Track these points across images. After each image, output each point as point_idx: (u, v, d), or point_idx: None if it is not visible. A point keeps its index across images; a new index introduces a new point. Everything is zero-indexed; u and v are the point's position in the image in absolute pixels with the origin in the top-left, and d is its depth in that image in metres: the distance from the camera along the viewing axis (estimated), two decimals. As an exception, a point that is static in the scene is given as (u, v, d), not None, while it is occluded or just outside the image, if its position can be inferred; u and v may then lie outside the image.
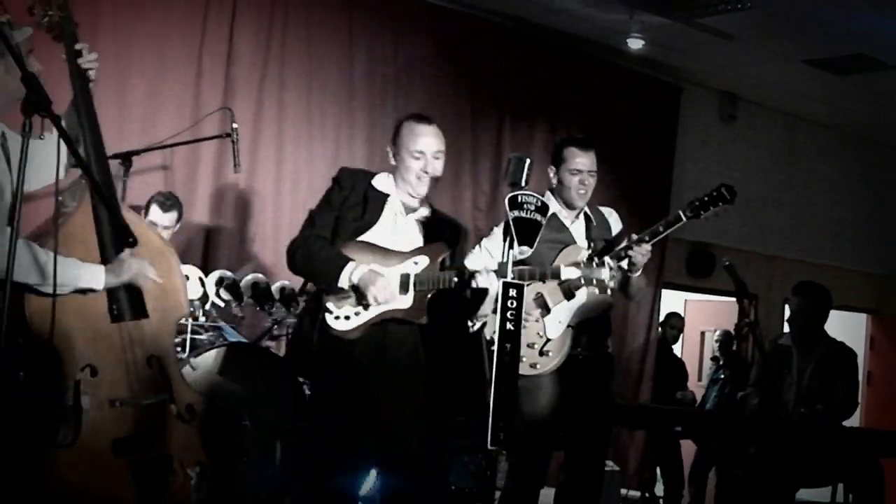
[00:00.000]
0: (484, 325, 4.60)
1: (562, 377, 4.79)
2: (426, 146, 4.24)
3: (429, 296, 4.18)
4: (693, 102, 10.12)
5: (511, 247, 3.58)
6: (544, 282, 4.43)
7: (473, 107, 8.35)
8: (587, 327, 4.85)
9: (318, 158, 7.41)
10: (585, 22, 8.47)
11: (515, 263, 3.68)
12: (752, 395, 6.48)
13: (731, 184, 4.80)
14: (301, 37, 7.40)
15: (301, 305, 5.82)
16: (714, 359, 9.87)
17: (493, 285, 4.03)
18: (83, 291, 3.53)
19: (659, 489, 9.06)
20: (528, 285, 4.63)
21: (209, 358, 5.33)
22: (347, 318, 4.15)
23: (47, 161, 3.47)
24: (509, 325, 3.47)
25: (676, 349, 9.91)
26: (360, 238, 4.21)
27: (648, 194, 9.14)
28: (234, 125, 6.16)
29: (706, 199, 4.79)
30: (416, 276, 4.16)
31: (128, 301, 3.68)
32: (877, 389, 11.64)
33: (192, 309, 5.55)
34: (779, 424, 5.92)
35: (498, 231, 4.92)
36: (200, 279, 5.62)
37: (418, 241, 4.30)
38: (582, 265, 4.18)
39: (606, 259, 4.31)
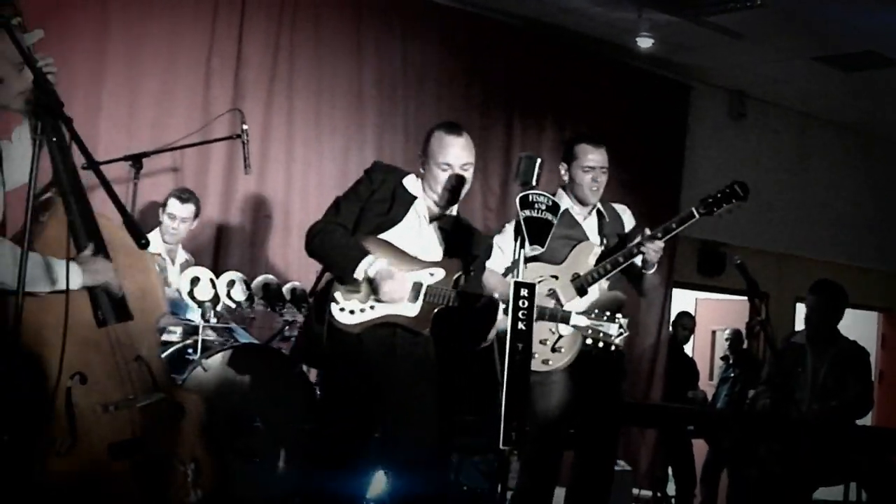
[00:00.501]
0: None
1: (572, 375, 4.79)
2: (454, 158, 4.21)
3: (436, 310, 4.17)
4: (702, 100, 10.10)
5: (522, 246, 3.57)
6: (556, 322, 4.46)
7: (483, 106, 8.34)
8: None
9: (328, 159, 7.41)
10: (594, 21, 8.46)
11: (527, 259, 3.67)
12: (764, 394, 6.46)
13: (742, 181, 4.80)
14: (310, 38, 7.40)
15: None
16: (724, 357, 9.86)
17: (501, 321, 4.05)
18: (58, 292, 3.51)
19: (671, 488, 9.05)
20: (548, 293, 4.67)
21: (220, 359, 5.34)
22: (353, 312, 4.12)
23: (21, 164, 3.50)
24: (521, 325, 3.47)
25: (687, 348, 9.90)
26: (381, 235, 4.18)
27: (658, 192, 9.12)
28: (245, 126, 6.16)
29: (719, 195, 4.80)
30: (428, 286, 4.15)
31: (111, 305, 3.70)
32: (889, 388, 11.60)
33: (202, 310, 5.56)
34: (792, 423, 5.91)
35: (509, 227, 4.93)
36: (211, 280, 5.62)
37: (438, 250, 4.29)
38: (594, 315, 4.24)
39: (619, 316, 4.28)
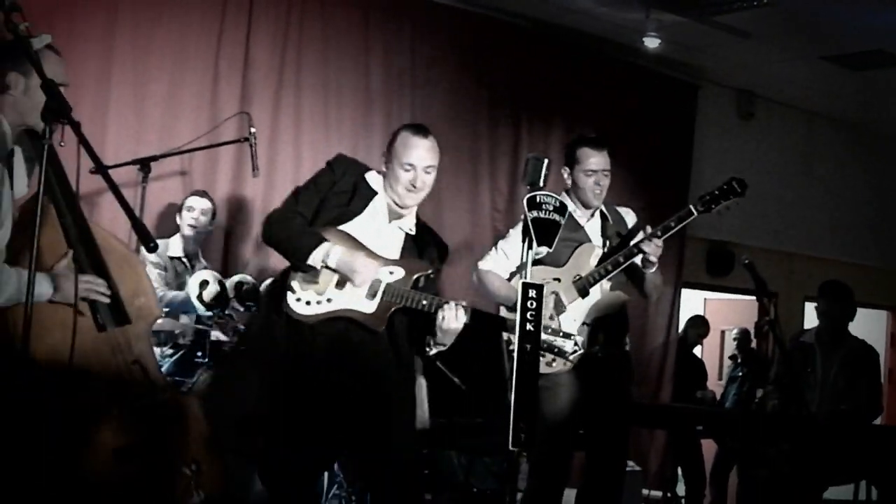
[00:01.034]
0: (440, 353, 4.32)
1: (580, 376, 4.79)
2: (417, 159, 4.11)
3: (393, 308, 4.06)
4: (710, 100, 10.09)
5: (530, 247, 3.57)
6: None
7: (490, 108, 8.34)
8: (603, 325, 4.86)
9: (336, 162, 7.41)
10: (602, 21, 8.46)
11: (533, 263, 3.67)
12: (773, 394, 6.46)
13: (740, 177, 4.82)
14: (317, 40, 7.41)
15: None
16: (732, 357, 9.86)
17: (459, 321, 3.99)
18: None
19: (680, 489, 9.04)
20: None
21: (228, 361, 5.35)
22: (308, 303, 4.01)
23: (18, 172, 3.52)
24: (529, 326, 3.47)
25: (696, 348, 9.89)
26: (341, 227, 4.09)
27: (666, 193, 9.11)
28: (252, 129, 6.18)
29: (717, 192, 4.83)
30: (387, 284, 4.05)
31: (109, 309, 3.73)
32: (898, 387, 11.59)
33: (210, 313, 5.57)
34: (803, 423, 5.90)
35: (514, 232, 4.94)
36: (220, 283, 5.63)
37: (395, 249, 4.19)
38: (549, 331, 4.15)
39: (575, 334, 4.24)
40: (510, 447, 3.40)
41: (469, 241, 7.72)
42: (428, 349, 4.15)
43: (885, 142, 11.58)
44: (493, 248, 5.04)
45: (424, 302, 4.05)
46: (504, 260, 4.94)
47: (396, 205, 4.16)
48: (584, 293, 4.79)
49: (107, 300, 3.71)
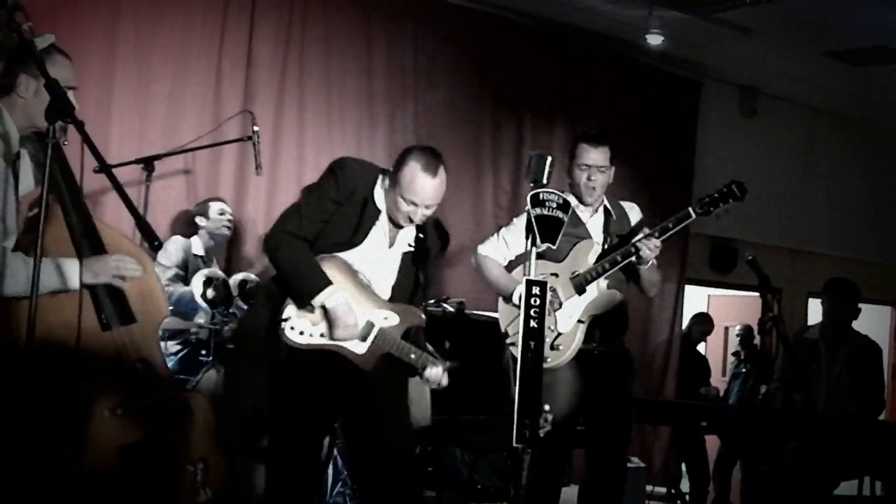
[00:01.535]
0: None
1: (578, 373, 4.79)
2: (421, 199, 4.08)
3: (383, 352, 4.13)
4: (713, 97, 10.09)
5: (533, 244, 3.57)
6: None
7: (494, 105, 8.35)
8: (600, 322, 4.86)
9: (339, 159, 7.42)
10: (604, 18, 8.46)
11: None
12: (778, 390, 6.46)
13: (740, 181, 4.82)
14: (320, 38, 7.41)
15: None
16: (735, 353, 9.86)
17: (443, 382, 4.13)
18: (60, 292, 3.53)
19: (684, 485, 9.05)
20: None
21: (233, 360, 5.36)
22: (302, 333, 4.05)
23: (24, 172, 3.54)
24: (533, 323, 3.47)
25: (700, 345, 9.89)
26: (342, 253, 4.11)
27: (670, 190, 9.11)
28: (255, 128, 6.19)
29: (716, 195, 4.83)
30: (379, 330, 4.11)
31: (114, 309, 3.71)
32: (902, 382, 11.58)
33: (216, 311, 5.58)
34: (811, 420, 5.90)
35: (518, 221, 4.94)
36: (224, 281, 5.64)
37: (393, 276, 4.20)
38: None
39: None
40: (514, 444, 3.41)
41: (472, 238, 7.71)
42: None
43: (888, 138, 11.57)
44: (495, 235, 5.04)
45: (413, 356, 4.13)
46: (504, 248, 4.95)
47: (394, 225, 4.18)
48: (580, 290, 4.79)
49: (138, 273, 3.71)
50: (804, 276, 10.55)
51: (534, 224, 3.55)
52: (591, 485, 4.98)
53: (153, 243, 3.26)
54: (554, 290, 4.75)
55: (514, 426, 3.39)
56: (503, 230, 5.00)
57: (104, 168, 3.31)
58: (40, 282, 3.08)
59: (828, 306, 6.36)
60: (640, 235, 4.82)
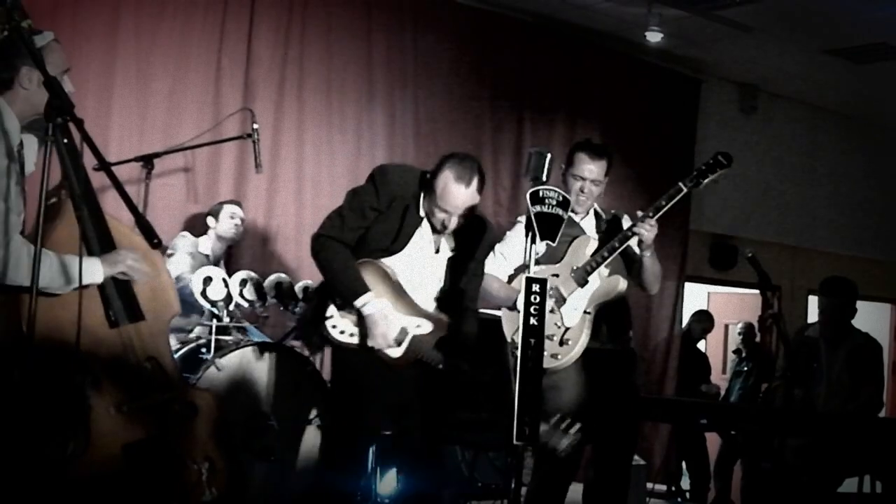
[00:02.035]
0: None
1: (585, 372, 4.79)
2: (454, 208, 4.24)
3: (414, 359, 4.33)
4: (713, 95, 10.09)
5: (533, 242, 3.57)
6: None
7: (493, 102, 8.34)
8: (605, 318, 4.84)
9: (339, 157, 7.42)
10: (604, 16, 8.45)
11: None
12: (780, 387, 6.46)
13: (725, 151, 4.85)
14: (320, 36, 7.41)
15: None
16: (736, 351, 9.86)
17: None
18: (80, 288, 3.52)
19: (685, 482, 9.05)
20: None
21: (234, 358, 5.35)
22: (343, 332, 4.28)
23: (28, 157, 3.57)
24: (533, 321, 3.47)
25: (700, 343, 9.89)
26: (386, 260, 4.29)
27: (669, 187, 9.06)
28: (255, 126, 6.19)
29: (704, 167, 4.88)
30: (413, 337, 4.30)
31: (123, 305, 3.71)
32: (902, 379, 11.57)
33: (215, 310, 5.57)
34: (810, 417, 5.89)
35: (511, 234, 4.93)
36: (224, 280, 5.63)
37: (438, 281, 4.41)
38: (549, 426, 4.08)
39: (572, 430, 4.08)
40: (514, 442, 3.41)
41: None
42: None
43: (888, 135, 11.57)
44: (491, 253, 5.02)
45: (441, 367, 4.30)
46: (502, 262, 4.92)
47: (432, 227, 4.34)
48: (582, 282, 4.78)
49: (144, 277, 3.72)
50: (804, 274, 10.55)
51: (533, 221, 3.55)
52: (595, 484, 4.97)
53: (153, 241, 3.25)
54: (556, 289, 4.75)
55: (515, 424, 3.39)
56: (498, 246, 4.96)
57: (104, 166, 3.31)
58: (45, 277, 3.08)
59: (823, 305, 6.35)
60: (631, 222, 4.82)
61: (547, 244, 3.71)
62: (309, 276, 6.37)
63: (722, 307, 11.05)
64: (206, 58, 6.92)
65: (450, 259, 4.40)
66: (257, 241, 7.07)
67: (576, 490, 5.07)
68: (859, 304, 6.38)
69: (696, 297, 10.67)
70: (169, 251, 6.13)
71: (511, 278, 4.93)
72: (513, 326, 4.83)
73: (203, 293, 5.52)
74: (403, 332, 4.28)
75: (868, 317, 8.16)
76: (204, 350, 5.48)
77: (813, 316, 6.89)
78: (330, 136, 7.42)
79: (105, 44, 6.51)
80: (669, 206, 4.80)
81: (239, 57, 7.05)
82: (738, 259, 9.98)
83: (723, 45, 9.06)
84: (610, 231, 4.94)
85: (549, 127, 8.69)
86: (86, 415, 3.55)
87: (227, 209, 6.44)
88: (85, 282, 3.51)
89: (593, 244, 4.84)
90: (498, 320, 4.99)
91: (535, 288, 3.49)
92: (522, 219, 4.33)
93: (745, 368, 9.46)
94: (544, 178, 3.65)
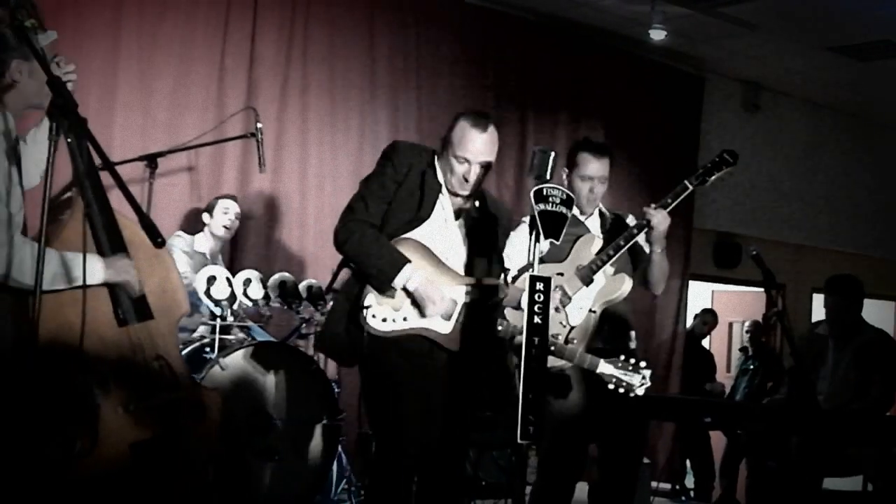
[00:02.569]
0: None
1: (588, 372, 4.77)
2: (473, 155, 4.06)
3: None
4: (716, 92, 10.08)
5: (537, 240, 3.57)
6: (584, 368, 4.49)
7: (496, 101, 8.34)
8: (608, 318, 4.83)
9: (343, 156, 7.43)
10: (607, 13, 8.45)
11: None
12: (785, 384, 6.46)
13: (731, 149, 4.84)
14: (323, 35, 7.42)
15: (329, 303, 5.82)
16: (743, 349, 9.85)
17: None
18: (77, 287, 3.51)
19: (689, 481, 9.05)
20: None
21: (238, 357, 5.35)
22: (384, 320, 3.97)
23: (37, 165, 3.62)
24: (537, 319, 3.46)
25: (704, 341, 9.89)
26: (410, 234, 4.04)
27: (672, 185, 9.05)
28: (259, 125, 6.19)
29: (709, 165, 4.87)
30: (463, 306, 4.07)
31: (132, 304, 3.70)
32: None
33: (220, 309, 5.58)
34: (809, 415, 5.88)
35: (514, 235, 4.91)
36: (228, 279, 5.64)
37: (462, 249, 4.16)
38: (620, 365, 4.34)
39: (643, 366, 4.37)
40: (519, 441, 3.40)
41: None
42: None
43: (892, 132, 11.56)
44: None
45: (500, 328, 4.13)
46: (506, 262, 4.92)
47: (451, 192, 4.13)
48: (587, 281, 4.77)
49: (138, 290, 3.70)
50: (808, 272, 10.53)
51: (537, 220, 3.54)
52: (602, 485, 4.96)
53: (156, 241, 3.25)
54: (560, 287, 4.74)
55: (519, 423, 3.38)
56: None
57: (107, 165, 3.31)
58: (46, 275, 3.08)
59: (828, 303, 6.35)
60: (636, 221, 4.82)
61: (551, 243, 3.70)
62: (313, 275, 6.39)
63: (726, 305, 11.04)
64: (209, 57, 6.92)
65: (471, 226, 4.19)
66: (261, 241, 7.07)
67: (582, 489, 5.06)
68: (864, 303, 6.37)
69: (699, 295, 10.66)
70: None
71: (514, 278, 4.92)
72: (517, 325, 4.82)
73: (207, 292, 5.53)
74: (452, 303, 4.05)
75: (873, 315, 8.14)
76: (208, 349, 5.49)
77: (817, 314, 6.88)
78: (333, 134, 7.42)
79: (108, 43, 6.51)
80: (675, 203, 4.79)
81: (242, 56, 7.05)
82: (742, 257, 9.97)
83: (726, 42, 9.05)
84: (614, 231, 4.93)
85: (553, 125, 8.69)
86: (94, 414, 3.54)
87: (221, 204, 6.41)
88: (63, 282, 3.49)
89: (598, 243, 4.82)
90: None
91: (539, 286, 3.48)
92: (527, 219, 4.31)
93: (752, 367, 9.45)
94: (548, 177, 3.64)
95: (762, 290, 6.51)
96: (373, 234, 4.00)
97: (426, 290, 3.97)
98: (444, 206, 4.13)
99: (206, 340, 5.59)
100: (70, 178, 3.68)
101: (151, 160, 5.92)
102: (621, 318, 4.92)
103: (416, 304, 4.01)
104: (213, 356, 5.35)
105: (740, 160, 4.87)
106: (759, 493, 6.65)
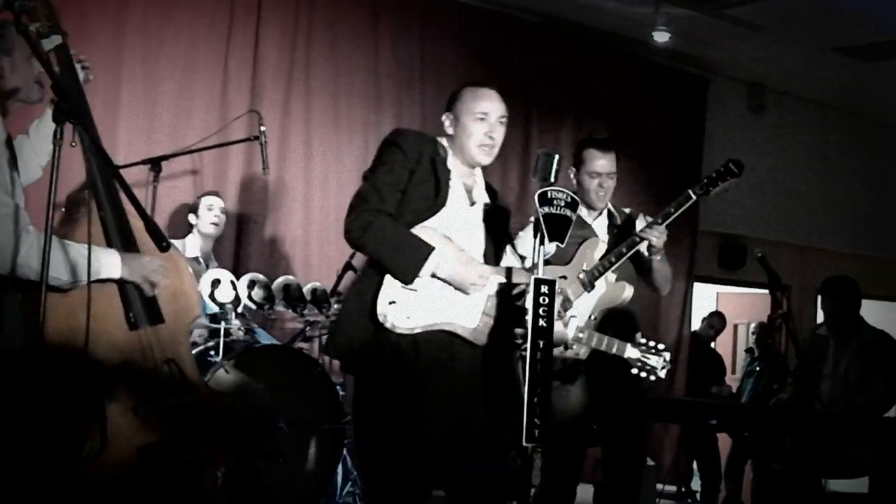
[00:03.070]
0: None
1: (590, 373, 4.77)
2: (491, 109, 3.89)
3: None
4: (721, 94, 10.06)
5: (542, 243, 3.56)
6: (612, 348, 4.60)
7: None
8: (612, 321, 4.83)
9: (347, 159, 7.42)
10: (611, 15, 8.44)
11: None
12: (788, 387, 6.46)
13: (737, 159, 4.82)
14: (327, 38, 7.42)
15: (333, 306, 5.82)
16: (748, 350, 9.83)
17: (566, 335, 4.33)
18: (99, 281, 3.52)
19: (695, 483, 9.03)
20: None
21: (242, 361, 5.34)
22: (409, 317, 3.65)
23: (37, 157, 3.67)
24: (542, 322, 3.45)
25: (711, 343, 9.87)
26: (428, 223, 3.74)
27: (678, 188, 8.97)
28: (262, 128, 6.18)
29: (714, 175, 4.84)
30: (490, 297, 3.80)
31: (143, 308, 3.69)
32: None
33: (223, 312, 5.57)
34: (810, 415, 5.87)
35: (524, 234, 4.90)
36: (232, 282, 5.63)
37: (480, 236, 3.92)
38: (643, 348, 4.55)
39: (662, 349, 4.60)
40: (524, 443, 3.39)
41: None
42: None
43: (898, 133, 11.55)
44: (507, 250, 5.01)
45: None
46: (517, 262, 4.91)
47: (464, 163, 3.91)
48: (589, 286, 4.77)
49: (165, 282, 3.70)
50: (814, 273, 10.49)
51: (542, 223, 3.53)
52: (606, 487, 4.95)
53: (161, 244, 3.25)
54: (563, 291, 4.73)
55: (524, 425, 3.38)
56: (510, 246, 4.93)
57: (111, 169, 3.31)
58: (53, 269, 3.08)
59: (825, 305, 6.37)
60: (644, 224, 4.82)
61: (556, 245, 3.69)
62: (317, 278, 6.38)
63: (731, 307, 11.03)
64: (213, 60, 6.92)
65: (487, 213, 3.97)
66: (265, 244, 7.06)
67: (585, 490, 5.06)
68: (868, 304, 6.36)
69: (705, 297, 10.65)
70: None
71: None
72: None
73: (211, 296, 5.53)
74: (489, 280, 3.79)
75: (878, 316, 8.13)
76: (212, 353, 5.49)
77: (822, 316, 6.87)
78: (337, 137, 7.42)
79: (112, 46, 6.51)
80: (678, 213, 4.78)
81: (246, 59, 7.05)
82: (748, 259, 9.96)
83: (730, 44, 9.04)
84: (623, 230, 4.93)
85: (557, 127, 8.68)
86: (103, 416, 3.54)
87: (205, 201, 6.29)
88: (102, 275, 3.51)
89: (602, 247, 4.82)
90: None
91: (544, 289, 3.47)
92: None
93: (757, 368, 9.43)
94: (553, 180, 3.63)
95: (767, 291, 6.52)
96: (391, 223, 3.69)
97: (462, 272, 3.71)
98: (457, 191, 3.88)
99: (210, 343, 5.59)
100: (83, 177, 3.67)
101: (155, 163, 5.91)
102: (628, 319, 4.92)
103: (440, 294, 3.72)
104: (218, 359, 5.34)
105: (745, 161, 4.86)
106: (765, 496, 6.63)
